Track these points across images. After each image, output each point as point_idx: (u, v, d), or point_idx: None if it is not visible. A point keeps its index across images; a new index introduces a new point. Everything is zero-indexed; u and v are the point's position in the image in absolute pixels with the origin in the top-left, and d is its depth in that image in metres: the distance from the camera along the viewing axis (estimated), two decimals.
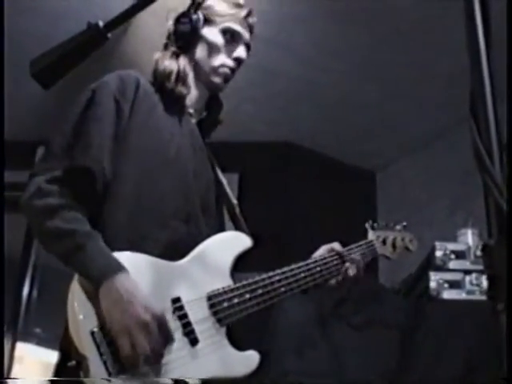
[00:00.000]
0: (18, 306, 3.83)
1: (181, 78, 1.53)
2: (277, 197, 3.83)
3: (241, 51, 1.59)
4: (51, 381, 1.28)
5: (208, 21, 1.57)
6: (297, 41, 3.05)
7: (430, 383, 2.26)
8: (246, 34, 1.61)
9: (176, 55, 1.55)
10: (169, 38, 1.59)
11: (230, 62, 1.58)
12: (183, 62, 1.54)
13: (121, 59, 3.10)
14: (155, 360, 1.19)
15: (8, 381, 1.67)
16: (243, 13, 1.60)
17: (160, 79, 1.52)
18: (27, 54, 1.20)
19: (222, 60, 1.57)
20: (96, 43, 1.07)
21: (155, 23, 2.88)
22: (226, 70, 1.58)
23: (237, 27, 1.58)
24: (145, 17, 2.72)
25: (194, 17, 1.55)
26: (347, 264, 1.63)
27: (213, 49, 1.57)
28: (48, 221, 1.27)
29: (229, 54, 1.58)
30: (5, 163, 1.84)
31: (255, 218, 1.77)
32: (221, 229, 1.56)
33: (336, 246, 1.65)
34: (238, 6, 1.61)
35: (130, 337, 1.16)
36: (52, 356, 1.30)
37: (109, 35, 1.06)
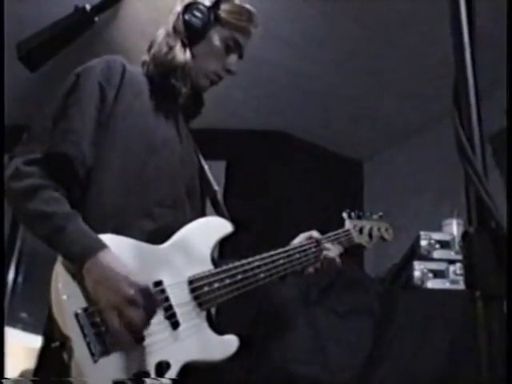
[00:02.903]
0: (4, 291, 3.82)
1: (184, 74, 1.51)
2: (263, 185, 3.83)
3: (234, 64, 1.58)
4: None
5: (218, 22, 1.55)
6: (286, 30, 3.05)
7: (413, 372, 2.29)
8: (245, 45, 1.60)
9: (184, 47, 1.53)
10: (177, 23, 1.55)
11: (222, 72, 1.57)
12: (189, 56, 1.52)
13: (109, 44, 3.07)
14: (142, 332, 1.19)
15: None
16: (252, 27, 1.59)
17: (164, 69, 1.51)
18: (14, 38, 1.19)
19: (215, 67, 1.56)
20: (83, 26, 1.07)
21: (144, 9, 2.86)
22: (215, 78, 1.58)
23: (242, 40, 1.58)
24: (134, 2, 2.70)
25: (209, 14, 1.53)
26: (325, 251, 1.66)
27: (212, 52, 1.56)
28: (27, 203, 1.25)
29: (223, 62, 1.57)
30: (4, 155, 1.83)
31: (241, 205, 1.78)
32: (202, 214, 1.56)
33: (314, 233, 1.68)
34: (251, 20, 1.59)
35: (118, 312, 1.17)
36: (38, 341, 1.29)
37: (96, 19, 1.07)
